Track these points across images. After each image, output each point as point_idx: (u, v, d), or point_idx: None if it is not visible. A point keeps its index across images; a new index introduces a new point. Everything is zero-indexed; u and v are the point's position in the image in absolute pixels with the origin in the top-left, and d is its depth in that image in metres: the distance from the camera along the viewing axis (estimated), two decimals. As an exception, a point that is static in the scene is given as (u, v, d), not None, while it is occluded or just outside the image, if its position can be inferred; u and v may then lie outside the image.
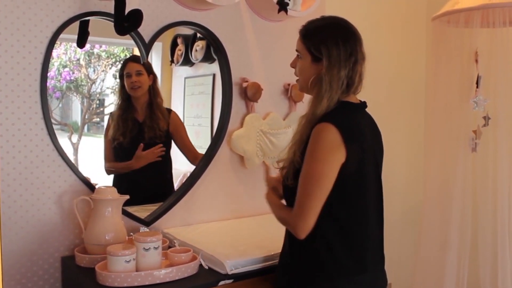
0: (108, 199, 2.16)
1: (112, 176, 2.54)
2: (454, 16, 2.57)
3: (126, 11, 2.12)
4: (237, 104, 2.72)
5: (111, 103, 2.57)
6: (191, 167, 2.66)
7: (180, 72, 2.79)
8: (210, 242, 2.26)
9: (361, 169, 1.78)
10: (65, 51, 2.46)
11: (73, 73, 2.51)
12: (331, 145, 1.71)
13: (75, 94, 2.55)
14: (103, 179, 2.49)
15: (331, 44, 1.79)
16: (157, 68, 2.61)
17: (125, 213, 2.35)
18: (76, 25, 2.25)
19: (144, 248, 1.96)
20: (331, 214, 1.75)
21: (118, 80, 2.55)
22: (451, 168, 2.70)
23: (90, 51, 2.55)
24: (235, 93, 2.70)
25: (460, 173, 2.65)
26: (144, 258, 1.97)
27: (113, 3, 2.12)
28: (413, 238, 3.29)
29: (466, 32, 2.61)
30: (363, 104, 1.93)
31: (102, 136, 2.55)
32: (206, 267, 2.09)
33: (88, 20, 2.27)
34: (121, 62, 2.59)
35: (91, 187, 2.31)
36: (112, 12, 2.13)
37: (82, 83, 2.55)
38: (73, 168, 2.27)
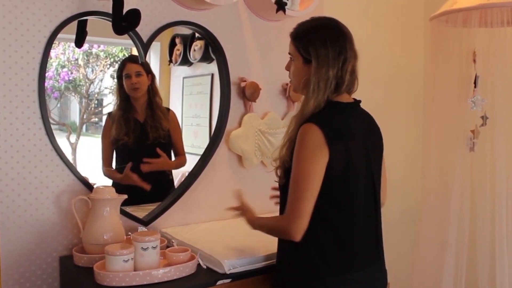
0: (106, 198, 2.16)
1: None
2: (452, 15, 2.58)
3: (124, 11, 2.12)
4: (235, 103, 2.72)
5: (110, 103, 2.56)
6: (189, 167, 2.66)
7: (179, 72, 2.79)
8: (208, 242, 2.26)
9: (349, 170, 1.78)
10: (64, 51, 2.46)
11: (72, 73, 2.51)
12: (314, 145, 1.73)
13: (73, 94, 2.55)
14: (101, 179, 2.49)
15: (319, 45, 1.80)
16: (155, 68, 2.61)
17: (123, 212, 2.35)
18: (74, 24, 2.25)
19: (142, 247, 1.96)
20: (320, 215, 1.77)
21: (115, 80, 2.54)
22: (449, 168, 2.70)
23: (89, 51, 2.55)
24: (233, 93, 2.70)
25: (458, 173, 2.65)
26: (142, 257, 1.96)
27: (111, 2, 2.12)
28: (411, 238, 3.29)
29: (464, 32, 2.61)
30: (356, 103, 1.93)
31: (100, 136, 2.54)
32: (204, 267, 2.09)
33: (86, 20, 2.27)
34: (119, 62, 2.59)
35: (89, 186, 2.31)
36: (110, 11, 2.13)
37: (81, 83, 2.55)
38: (71, 167, 2.27)
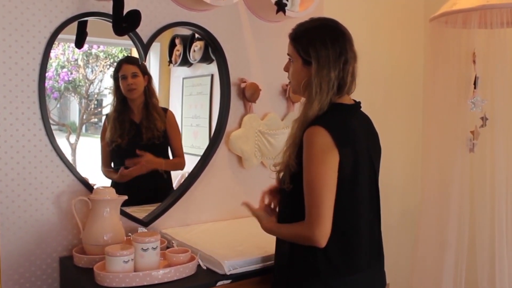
0: (106, 199, 2.16)
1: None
2: (452, 16, 2.58)
3: (125, 12, 2.12)
4: (235, 104, 2.72)
5: (109, 103, 2.56)
6: (189, 167, 2.66)
7: (178, 72, 2.79)
8: (208, 243, 2.26)
9: (355, 172, 1.77)
10: (63, 51, 2.46)
11: (71, 73, 2.51)
12: (324, 148, 1.71)
13: (73, 94, 2.55)
14: (101, 180, 2.49)
15: (319, 46, 1.78)
16: (155, 69, 2.61)
17: (123, 213, 2.35)
18: (74, 25, 2.25)
19: (142, 248, 1.96)
20: None
21: (113, 81, 2.54)
22: (449, 169, 2.70)
23: (88, 51, 2.55)
24: (233, 94, 2.70)
25: (458, 174, 2.65)
26: (143, 258, 1.96)
27: (111, 3, 2.12)
28: (411, 238, 3.29)
29: (464, 33, 2.62)
30: (357, 105, 1.92)
31: (99, 137, 2.55)
32: (204, 268, 2.09)
33: (86, 21, 2.27)
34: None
35: (89, 187, 2.31)
36: (111, 12, 2.13)
37: (80, 84, 2.55)
38: (71, 168, 2.27)
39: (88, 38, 2.30)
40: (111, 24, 2.15)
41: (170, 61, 2.74)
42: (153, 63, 2.60)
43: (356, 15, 3.26)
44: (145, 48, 2.41)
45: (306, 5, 2.76)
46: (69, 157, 2.30)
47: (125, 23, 2.13)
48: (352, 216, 1.80)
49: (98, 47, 2.56)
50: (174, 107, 2.73)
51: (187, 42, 2.72)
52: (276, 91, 2.89)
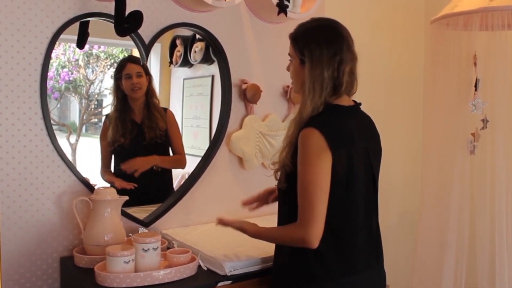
0: (107, 199, 2.16)
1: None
2: (453, 19, 2.58)
3: (127, 13, 2.12)
4: (236, 105, 2.72)
5: (109, 104, 2.56)
6: (189, 168, 2.66)
7: (179, 73, 2.80)
8: (209, 244, 2.26)
9: (350, 174, 1.77)
10: (64, 51, 2.46)
11: (72, 73, 2.51)
12: (317, 149, 1.71)
13: (73, 94, 2.55)
14: (102, 180, 2.49)
15: (313, 46, 1.79)
16: (155, 69, 2.62)
17: (124, 214, 2.35)
18: (75, 25, 2.25)
19: (143, 249, 1.96)
20: None
21: (113, 81, 2.54)
22: (449, 171, 2.71)
23: (89, 51, 2.55)
24: (234, 95, 2.70)
25: (458, 176, 2.66)
26: (143, 259, 1.97)
27: (113, 4, 2.13)
28: (411, 239, 3.30)
29: (465, 35, 2.62)
30: (356, 106, 1.92)
31: (99, 137, 2.55)
32: (205, 268, 2.09)
33: (88, 21, 2.27)
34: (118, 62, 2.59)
35: (90, 187, 2.31)
36: (112, 13, 2.14)
37: (81, 84, 2.55)
38: (73, 168, 2.27)
39: (89, 38, 2.30)
40: (112, 24, 2.15)
41: (171, 62, 2.74)
42: (154, 63, 2.61)
43: (357, 17, 3.26)
44: (146, 48, 2.41)
45: (308, 6, 2.76)
46: (69, 157, 2.30)
47: (127, 23, 2.13)
48: (347, 217, 1.80)
49: (99, 47, 2.56)
50: (175, 108, 2.73)
51: (188, 43, 2.72)
52: (277, 92, 2.89)
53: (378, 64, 3.39)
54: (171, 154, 2.66)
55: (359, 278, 1.84)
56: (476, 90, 2.61)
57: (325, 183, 1.71)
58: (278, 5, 2.59)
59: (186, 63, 2.75)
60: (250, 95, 2.70)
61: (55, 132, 2.24)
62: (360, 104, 1.93)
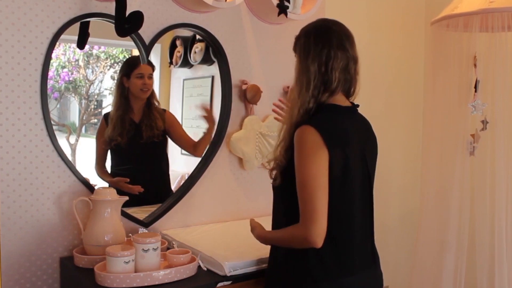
0: (107, 200, 2.16)
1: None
2: (453, 20, 2.58)
3: (127, 13, 2.13)
4: (237, 106, 2.73)
5: (109, 104, 2.56)
6: (189, 169, 2.66)
7: (179, 73, 2.80)
8: (209, 244, 2.26)
9: (345, 174, 1.76)
10: (64, 51, 2.47)
11: (72, 73, 2.51)
12: (313, 147, 1.70)
13: (73, 95, 2.55)
14: (101, 180, 2.50)
15: (303, 40, 1.82)
16: (155, 70, 2.61)
17: (124, 214, 2.35)
18: (75, 26, 2.25)
19: (143, 249, 1.97)
20: None
21: (116, 79, 2.54)
22: (449, 172, 2.70)
23: (89, 52, 2.55)
24: (234, 95, 2.71)
25: (458, 177, 2.66)
26: (143, 259, 1.97)
27: (114, 4, 2.13)
28: (410, 240, 3.30)
29: (465, 36, 2.62)
30: (353, 108, 1.91)
31: (95, 137, 2.55)
32: (205, 269, 2.09)
33: (89, 22, 2.28)
34: (120, 63, 2.59)
35: (90, 188, 2.31)
36: (113, 13, 2.14)
37: (81, 84, 2.55)
38: (73, 169, 2.27)
39: (89, 39, 2.30)
40: (113, 25, 2.16)
41: (171, 63, 2.74)
42: (154, 64, 2.60)
43: (357, 18, 3.27)
44: (147, 49, 2.41)
45: (308, 7, 2.76)
46: (69, 157, 2.30)
47: (127, 24, 2.14)
48: (343, 217, 1.80)
49: (99, 47, 2.57)
50: (175, 108, 2.73)
51: (188, 43, 2.73)
52: (277, 93, 2.89)
53: (378, 65, 3.39)
54: (168, 154, 2.68)
55: (357, 279, 1.83)
56: (476, 91, 2.60)
57: (323, 180, 1.70)
58: (278, 5, 2.60)
59: (186, 63, 2.75)
60: (250, 96, 2.71)
61: (55, 132, 2.24)
62: (357, 106, 1.93)
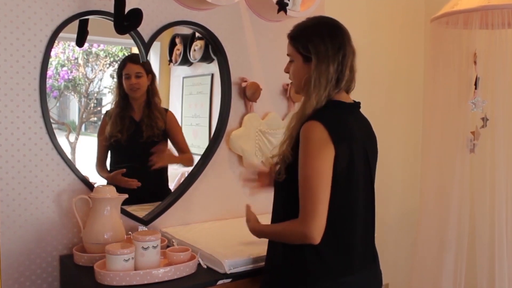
0: (107, 198, 2.16)
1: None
2: (453, 17, 2.58)
3: (126, 10, 2.12)
4: (236, 103, 2.72)
5: (109, 102, 2.56)
6: (189, 167, 2.66)
7: (178, 71, 2.79)
8: (209, 242, 2.26)
9: (350, 171, 1.76)
10: (63, 50, 2.46)
11: (71, 72, 2.50)
12: (320, 142, 1.70)
13: (72, 93, 2.55)
14: (101, 178, 2.49)
15: (318, 41, 1.79)
16: (155, 68, 2.61)
17: (123, 212, 2.35)
18: (74, 24, 2.24)
19: (142, 247, 1.96)
20: None
21: (115, 78, 2.54)
22: (449, 169, 2.70)
23: (88, 50, 2.54)
24: (234, 93, 2.70)
25: (458, 174, 2.66)
26: (143, 257, 1.97)
27: (112, 2, 2.12)
28: (410, 239, 3.30)
29: (465, 34, 2.62)
30: (356, 105, 1.92)
31: (96, 134, 2.55)
32: (205, 266, 2.09)
33: (88, 19, 2.27)
34: (119, 61, 2.59)
35: (89, 186, 2.31)
36: (112, 11, 2.13)
37: (80, 82, 2.55)
38: (72, 167, 2.27)
39: (88, 37, 2.30)
40: (112, 22, 2.15)
41: (170, 60, 2.74)
42: (153, 62, 2.60)
43: (357, 15, 3.26)
44: (146, 47, 2.41)
45: (307, 4, 2.76)
46: (68, 155, 2.30)
47: (126, 21, 2.13)
48: (346, 215, 1.79)
49: (98, 45, 2.56)
50: (174, 106, 2.73)
51: (188, 41, 2.72)
52: (277, 90, 2.89)
53: (378, 62, 3.39)
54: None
55: (357, 278, 1.83)
56: (476, 88, 2.60)
57: (327, 177, 1.70)
58: (278, 3, 2.59)
59: (185, 61, 2.75)
60: (250, 93, 2.70)
61: (54, 131, 2.24)
62: (359, 103, 1.93)
